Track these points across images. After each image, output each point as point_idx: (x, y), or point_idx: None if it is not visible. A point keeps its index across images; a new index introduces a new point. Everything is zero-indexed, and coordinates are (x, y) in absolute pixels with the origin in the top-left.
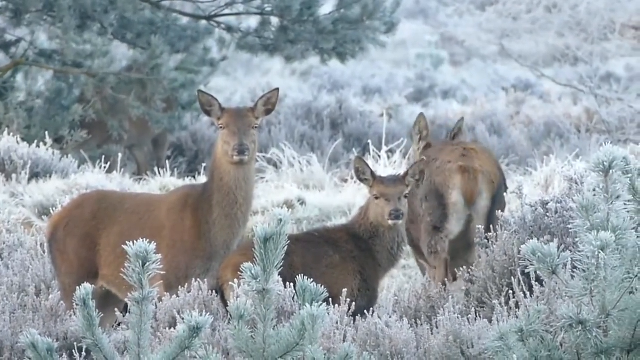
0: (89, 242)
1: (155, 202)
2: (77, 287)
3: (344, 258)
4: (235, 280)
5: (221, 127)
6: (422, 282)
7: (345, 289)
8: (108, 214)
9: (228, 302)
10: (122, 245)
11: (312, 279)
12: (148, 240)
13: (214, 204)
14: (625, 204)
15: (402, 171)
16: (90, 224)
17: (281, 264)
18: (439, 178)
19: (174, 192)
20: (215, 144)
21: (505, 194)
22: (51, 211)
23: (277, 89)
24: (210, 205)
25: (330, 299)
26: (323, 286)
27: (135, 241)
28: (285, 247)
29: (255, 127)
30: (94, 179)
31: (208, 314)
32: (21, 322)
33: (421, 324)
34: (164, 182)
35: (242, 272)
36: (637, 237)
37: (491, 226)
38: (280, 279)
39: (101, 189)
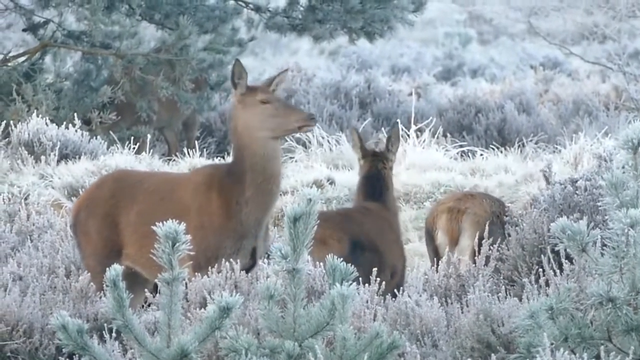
0: (109, 221)
1: (178, 182)
2: (106, 268)
3: (397, 235)
4: (317, 252)
5: (264, 103)
6: (452, 261)
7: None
8: (126, 193)
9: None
10: (144, 225)
11: (380, 253)
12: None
13: (247, 183)
14: None
15: None
16: (109, 202)
17: (357, 231)
18: (429, 219)
19: (197, 172)
20: (240, 122)
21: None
22: (80, 192)
23: (287, 70)
24: (242, 185)
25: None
26: (388, 261)
27: (158, 221)
28: (352, 217)
29: None
30: (123, 160)
31: (238, 294)
32: (51, 303)
33: (451, 303)
34: (193, 163)
35: (321, 243)
36: None
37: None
38: (358, 246)
39: (122, 168)
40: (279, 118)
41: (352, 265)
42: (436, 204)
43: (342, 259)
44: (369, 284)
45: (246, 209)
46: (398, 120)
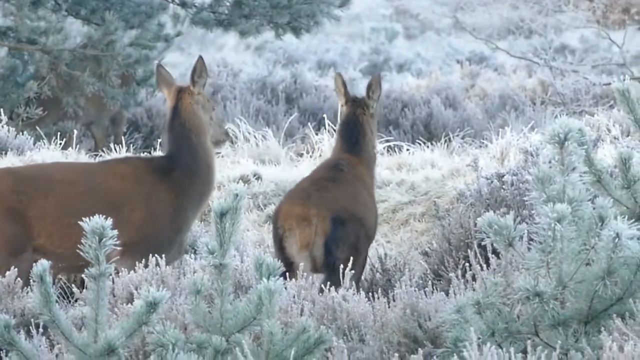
0: (13, 215)
1: (105, 172)
2: (11, 265)
3: (370, 193)
4: (299, 229)
5: (213, 109)
6: (379, 255)
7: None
8: (32, 186)
9: (286, 251)
10: (69, 217)
11: (361, 218)
12: (107, 212)
13: (201, 178)
14: (580, 176)
15: None
16: (11, 198)
17: (336, 207)
18: None
19: (129, 163)
20: (198, 120)
21: None
22: None
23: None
24: (194, 179)
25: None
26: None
27: (89, 212)
28: (327, 190)
29: None
30: (50, 155)
31: (165, 289)
32: None
33: (378, 298)
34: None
35: (305, 221)
36: (593, 208)
37: None
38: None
39: (4, 166)
40: (218, 125)
41: (337, 241)
42: None
43: (326, 236)
44: (356, 256)
45: (198, 205)
46: (324, 115)
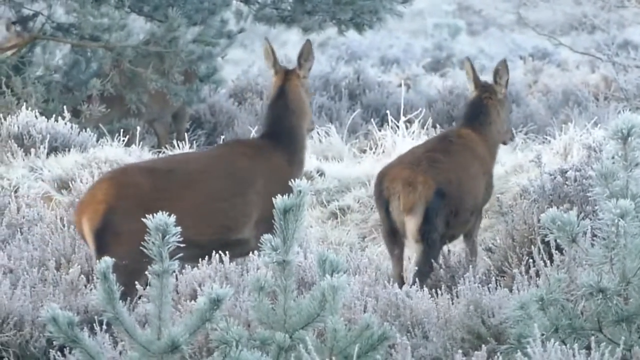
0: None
1: (228, 157)
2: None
3: (485, 169)
4: (404, 193)
5: (313, 95)
6: (442, 252)
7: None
8: (171, 181)
9: (391, 216)
10: (213, 203)
11: (463, 192)
12: (244, 191)
13: (297, 160)
14: None
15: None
16: (153, 196)
17: (443, 179)
18: None
19: (247, 144)
20: (303, 104)
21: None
22: (70, 185)
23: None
24: (294, 159)
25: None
26: (470, 197)
27: (235, 196)
28: (438, 161)
29: None
30: (113, 152)
31: (228, 286)
32: (41, 296)
33: (441, 294)
34: None
35: (410, 186)
36: None
37: None
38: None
39: (129, 163)
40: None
41: (437, 211)
42: None
43: (428, 203)
44: (447, 229)
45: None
46: (387, 112)
